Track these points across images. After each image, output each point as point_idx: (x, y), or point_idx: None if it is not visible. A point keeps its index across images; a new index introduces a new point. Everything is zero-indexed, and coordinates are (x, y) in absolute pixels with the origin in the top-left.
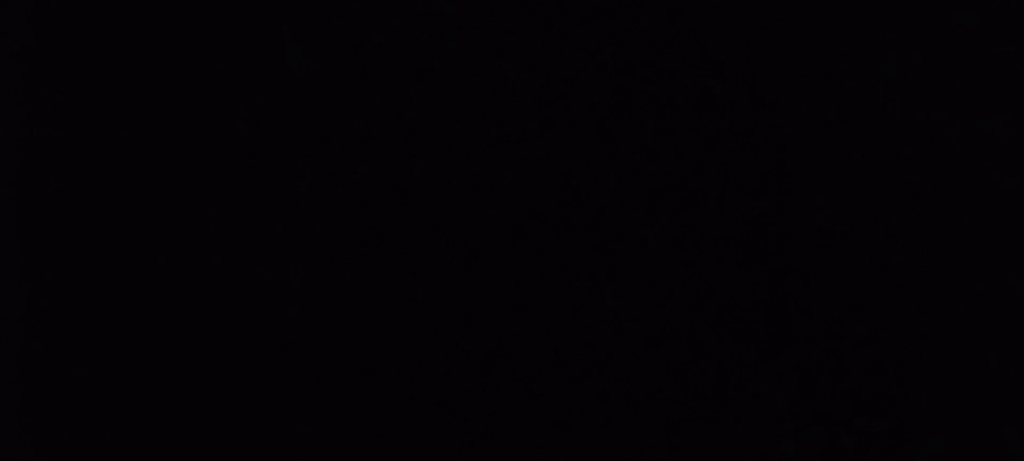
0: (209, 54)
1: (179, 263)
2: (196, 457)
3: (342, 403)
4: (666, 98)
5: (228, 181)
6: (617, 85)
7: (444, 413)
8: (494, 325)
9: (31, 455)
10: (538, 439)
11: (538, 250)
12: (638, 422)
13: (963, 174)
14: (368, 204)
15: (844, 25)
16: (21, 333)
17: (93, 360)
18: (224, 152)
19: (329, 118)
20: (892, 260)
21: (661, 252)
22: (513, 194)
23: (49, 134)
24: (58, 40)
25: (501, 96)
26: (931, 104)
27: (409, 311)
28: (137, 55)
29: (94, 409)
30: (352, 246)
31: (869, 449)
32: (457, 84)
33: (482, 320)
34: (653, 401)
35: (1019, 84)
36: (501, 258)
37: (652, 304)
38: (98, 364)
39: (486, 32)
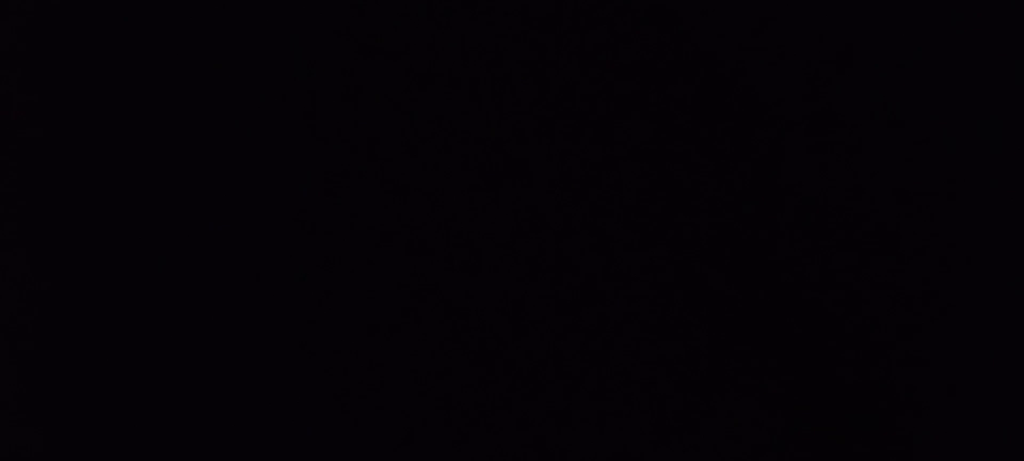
0: (209, 54)
1: (179, 263)
2: (196, 457)
3: (342, 403)
4: (666, 98)
5: (228, 181)
6: (617, 85)
7: (444, 413)
8: (494, 325)
9: (31, 455)
10: (538, 439)
11: (538, 250)
12: (638, 422)
13: (962, 174)
14: (368, 204)
15: (844, 25)
16: (21, 333)
17: (93, 360)
18: (224, 152)
19: (329, 118)
20: (892, 260)
21: (661, 252)
22: (513, 194)
23: (49, 134)
24: (58, 40)
25: (501, 96)
26: (931, 104)
27: (409, 311)
28: (137, 55)
29: (94, 409)
30: (352, 246)
31: (869, 449)
32: (457, 84)
33: (482, 320)
34: (653, 401)
35: (1019, 84)
36: (501, 258)
37: (652, 304)
38: (98, 364)
39: (486, 32)
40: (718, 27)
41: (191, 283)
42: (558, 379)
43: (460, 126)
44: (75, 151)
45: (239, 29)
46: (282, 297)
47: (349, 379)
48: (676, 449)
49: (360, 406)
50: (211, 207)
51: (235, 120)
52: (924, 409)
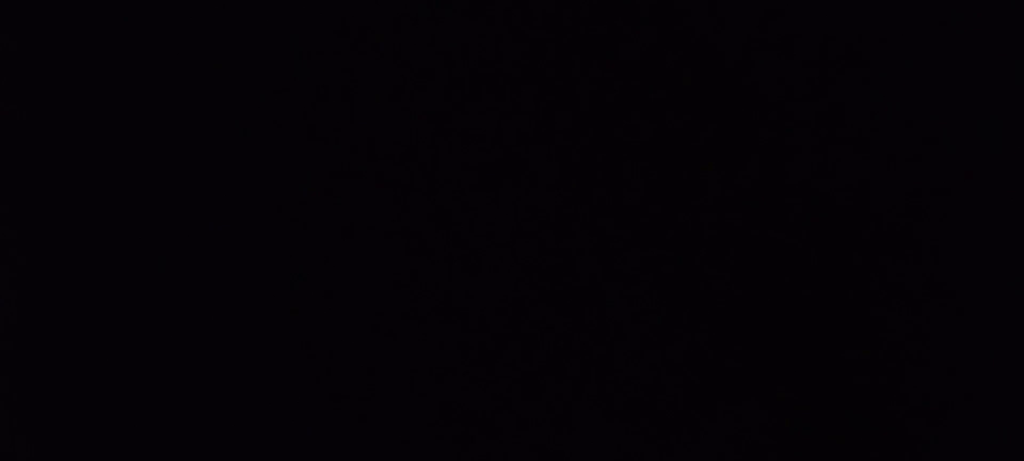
0: (208, 54)
1: (178, 263)
2: (195, 457)
3: (341, 403)
4: (670, 97)
5: (227, 181)
6: (620, 83)
7: (445, 413)
8: (494, 325)
9: (30, 455)
10: (538, 439)
11: (539, 250)
12: (639, 423)
13: (968, 174)
14: (368, 204)
15: (847, 24)
16: (19, 333)
17: (92, 360)
18: (224, 152)
19: (328, 118)
20: (897, 260)
21: (663, 252)
22: (513, 194)
23: (48, 134)
24: (58, 40)
25: (501, 96)
26: (936, 103)
27: (409, 311)
28: (137, 55)
29: (93, 409)
30: (352, 246)
31: (870, 450)
32: (457, 84)
33: (482, 320)
34: (654, 402)
35: (1019, 84)
36: (501, 258)
37: (655, 304)
38: (97, 364)
39: (486, 32)
40: (722, 25)
41: (191, 283)
42: (558, 379)
43: (460, 126)
44: (74, 151)
45: (239, 29)
46: (282, 297)
47: (349, 379)
48: (676, 449)
49: (360, 406)
50: (211, 207)
51: (235, 120)
52: (927, 410)
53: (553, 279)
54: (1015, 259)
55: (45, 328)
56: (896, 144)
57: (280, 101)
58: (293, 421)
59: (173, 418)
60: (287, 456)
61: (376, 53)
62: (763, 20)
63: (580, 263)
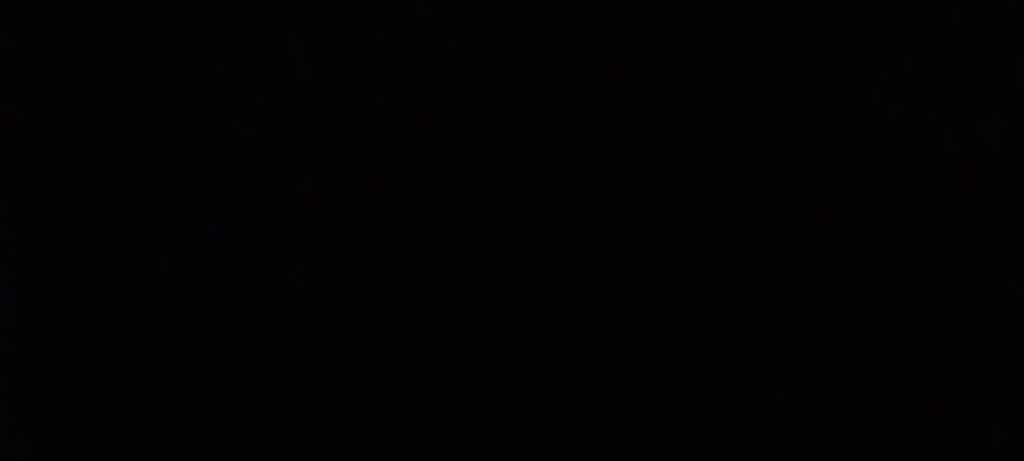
0: (208, 54)
1: (178, 263)
2: (195, 457)
3: (341, 403)
4: (670, 97)
5: (227, 181)
6: (620, 83)
7: (445, 414)
8: (495, 326)
9: (30, 455)
10: (538, 439)
11: (539, 250)
12: (640, 424)
13: (969, 174)
14: (368, 204)
15: (848, 23)
16: (19, 333)
17: (92, 360)
18: (223, 152)
19: (328, 118)
20: (898, 260)
21: (664, 252)
22: (513, 194)
23: (48, 134)
24: (58, 40)
25: (501, 95)
26: (938, 103)
27: (409, 311)
28: (136, 55)
29: (93, 409)
30: (351, 246)
31: (871, 451)
32: (457, 84)
33: (483, 321)
34: (653, 401)
35: (1019, 84)
36: (502, 258)
37: (655, 304)
38: (97, 364)
39: (486, 31)
40: (722, 25)
41: (191, 283)
42: (558, 379)
43: (460, 126)
44: (74, 151)
45: (239, 29)
46: (282, 297)
47: (349, 379)
48: (676, 449)
49: (360, 406)
50: (211, 207)
51: (235, 120)
52: (927, 410)
53: (553, 279)
54: (1015, 259)
55: (45, 328)
56: (896, 144)
57: (280, 101)
58: (293, 421)
59: (173, 418)
60: (287, 456)
61: (376, 53)
62: (763, 20)
63: (580, 263)
